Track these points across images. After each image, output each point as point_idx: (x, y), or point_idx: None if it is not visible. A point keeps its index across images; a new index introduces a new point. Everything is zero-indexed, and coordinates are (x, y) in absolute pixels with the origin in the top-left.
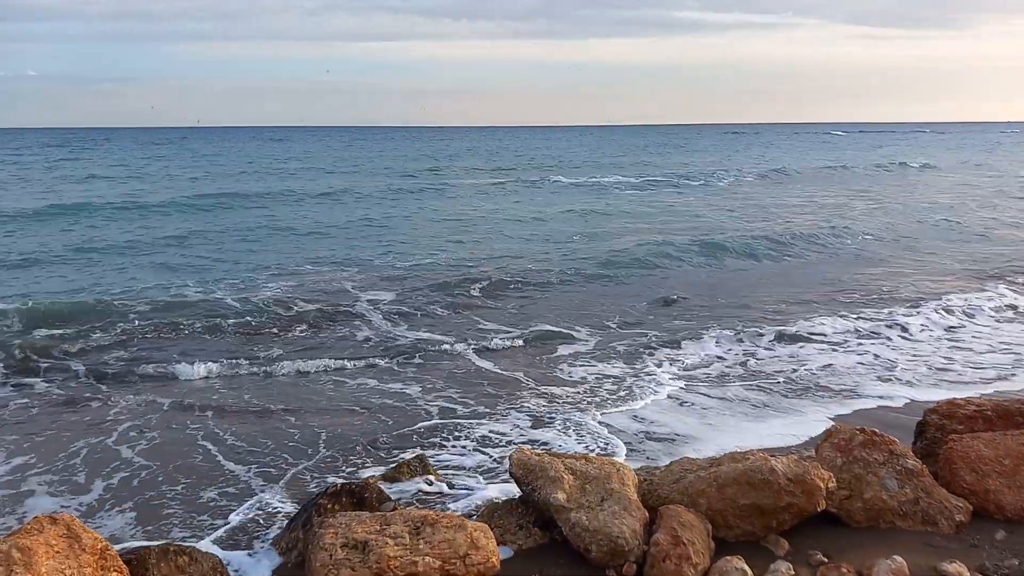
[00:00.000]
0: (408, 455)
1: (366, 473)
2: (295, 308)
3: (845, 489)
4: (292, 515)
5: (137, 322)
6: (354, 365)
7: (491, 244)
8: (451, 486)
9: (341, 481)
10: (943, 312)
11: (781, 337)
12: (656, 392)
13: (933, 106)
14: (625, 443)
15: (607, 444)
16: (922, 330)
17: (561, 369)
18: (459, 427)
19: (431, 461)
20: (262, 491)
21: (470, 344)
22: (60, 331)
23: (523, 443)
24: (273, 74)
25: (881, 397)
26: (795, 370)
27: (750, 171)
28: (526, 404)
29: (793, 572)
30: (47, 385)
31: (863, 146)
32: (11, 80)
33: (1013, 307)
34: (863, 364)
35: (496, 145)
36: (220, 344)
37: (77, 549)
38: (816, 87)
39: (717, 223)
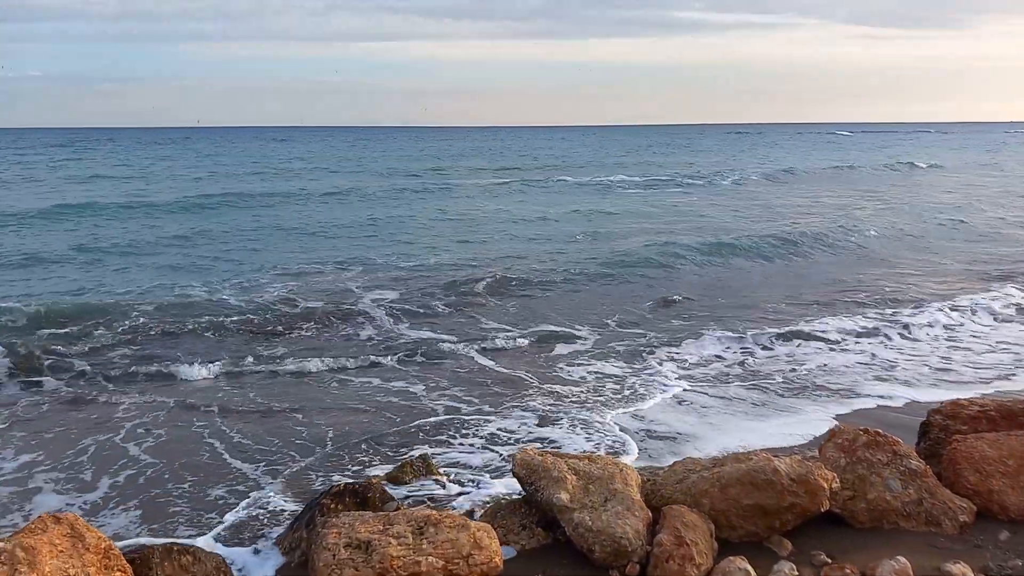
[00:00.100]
0: (413, 453)
1: (372, 471)
2: (299, 307)
3: (849, 489)
4: (296, 514)
5: (142, 321)
6: (359, 364)
7: (496, 244)
8: (459, 483)
9: (345, 481)
10: (946, 312)
11: (784, 337)
12: (659, 392)
13: (937, 106)
14: (630, 441)
15: (614, 442)
16: (925, 330)
17: (565, 368)
18: (465, 426)
19: (437, 459)
20: (266, 490)
21: (475, 343)
22: (65, 330)
23: (532, 441)
24: (276, 74)
25: (881, 396)
26: (796, 370)
27: (756, 171)
28: (532, 403)
29: (796, 573)
30: (53, 384)
31: (868, 146)
32: (14, 80)
33: (1019, 306)
34: (864, 364)
35: (499, 145)
36: (225, 343)
37: (81, 548)
38: (819, 87)
39: (723, 223)
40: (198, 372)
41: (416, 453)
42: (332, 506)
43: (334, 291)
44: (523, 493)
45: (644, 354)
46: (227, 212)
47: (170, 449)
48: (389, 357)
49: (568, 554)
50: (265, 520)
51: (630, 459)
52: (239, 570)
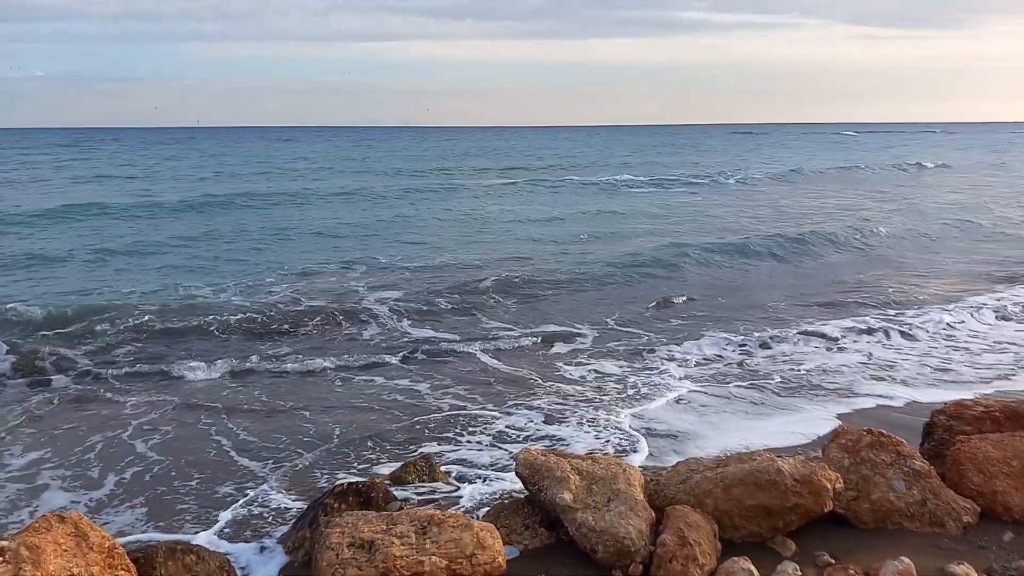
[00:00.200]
0: (419, 452)
1: (379, 469)
2: (304, 307)
3: (852, 490)
4: (300, 513)
5: (148, 321)
6: (363, 363)
7: (501, 244)
8: (468, 481)
9: (348, 480)
10: (949, 313)
11: (786, 337)
12: (662, 391)
13: (941, 106)
14: (625, 442)
15: (622, 440)
16: (927, 331)
17: (570, 367)
18: (472, 424)
19: (444, 457)
20: (271, 488)
21: (479, 343)
22: (71, 330)
23: (540, 438)
24: (278, 74)
25: (881, 396)
26: (797, 369)
27: (763, 171)
28: (537, 401)
29: (800, 573)
30: (59, 383)
31: (874, 146)
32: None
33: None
34: (864, 364)
35: (502, 145)
36: (230, 343)
37: (85, 547)
38: (823, 87)
39: (730, 223)
40: (204, 371)
41: (422, 452)
42: (335, 506)
43: (339, 291)
44: (526, 493)
45: (647, 354)
46: (232, 212)
47: (176, 447)
48: (394, 356)
49: (571, 554)
50: (270, 518)
51: (640, 457)
52: (242, 568)
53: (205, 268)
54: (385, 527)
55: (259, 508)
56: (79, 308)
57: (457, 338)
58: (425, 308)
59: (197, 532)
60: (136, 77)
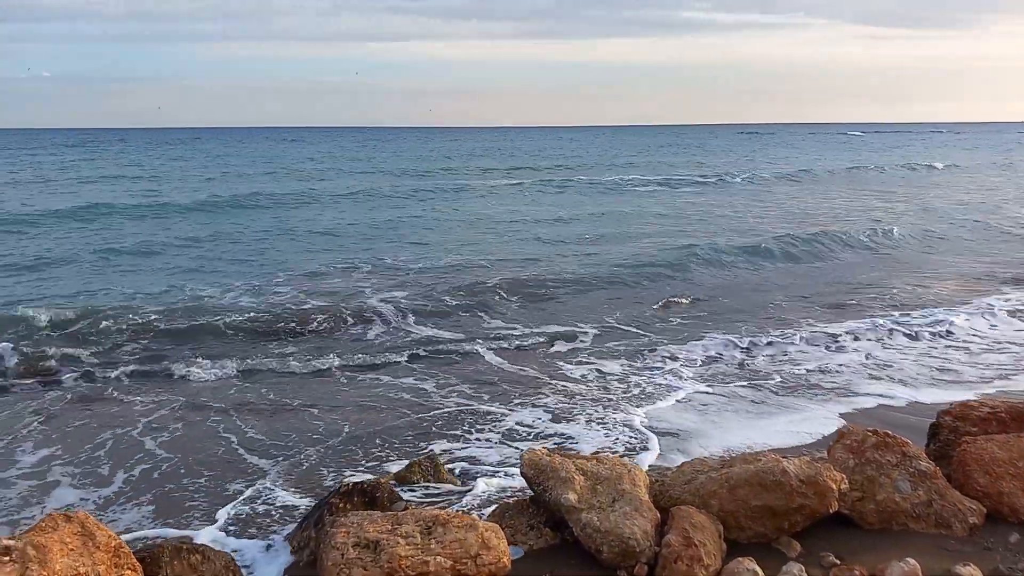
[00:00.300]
0: (429, 449)
1: (389, 467)
2: (311, 307)
3: (857, 491)
4: (306, 512)
5: (155, 321)
6: (370, 362)
7: (508, 245)
8: (471, 479)
9: (353, 480)
10: (953, 313)
11: (789, 337)
12: (665, 391)
13: (947, 106)
14: (635, 440)
15: (632, 439)
16: (930, 331)
17: (576, 367)
18: (478, 423)
19: (452, 455)
20: (278, 485)
21: (486, 343)
22: (80, 331)
23: (549, 436)
24: (284, 74)
25: (882, 396)
26: (799, 369)
27: (772, 171)
28: (544, 400)
29: (805, 574)
30: (68, 383)
31: (882, 146)
32: (25, 81)
33: None
34: (868, 364)
35: (508, 145)
36: (237, 343)
37: (91, 547)
38: (830, 88)
39: (740, 224)
40: (211, 371)
41: (428, 451)
42: (341, 505)
43: (345, 291)
44: (531, 493)
45: (651, 353)
46: (239, 213)
47: (184, 445)
48: (400, 355)
49: (576, 554)
50: (276, 516)
51: (652, 455)
52: (248, 566)
53: (212, 268)
54: (390, 527)
55: (265, 506)
56: (86, 308)
57: (463, 338)
58: (431, 308)
59: (204, 529)
60: (141, 78)
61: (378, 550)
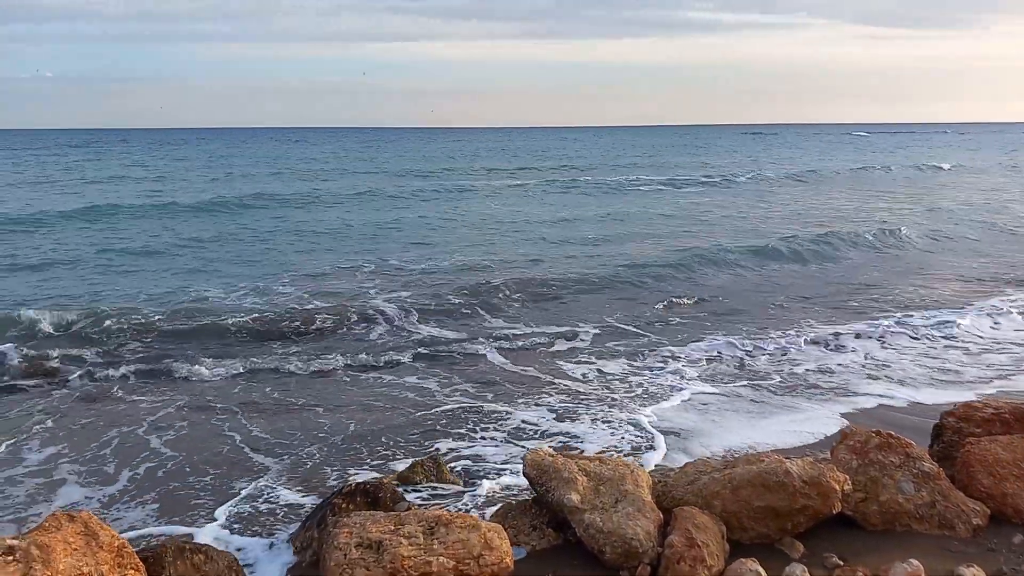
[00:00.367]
0: (431, 449)
1: (395, 465)
2: (315, 307)
3: (861, 492)
4: (309, 512)
5: (160, 322)
6: (374, 362)
7: (512, 246)
8: (475, 478)
9: (356, 481)
10: (956, 315)
11: (791, 338)
12: (669, 391)
13: (952, 106)
14: (640, 439)
15: (637, 438)
16: (933, 332)
17: (580, 367)
18: (483, 422)
19: (457, 453)
20: (282, 484)
21: (490, 343)
22: (85, 331)
23: (555, 434)
24: (288, 75)
25: (885, 397)
26: (805, 370)
27: (779, 172)
28: (548, 400)
29: (808, 575)
30: (74, 383)
31: (887, 147)
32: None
33: None
34: (870, 365)
35: (511, 145)
36: (242, 343)
37: (95, 546)
38: (834, 88)
39: (746, 225)
40: (216, 370)
41: (434, 450)
42: (344, 506)
43: (350, 291)
44: (534, 493)
45: (654, 353)
46: (243, 213)
47: (189, 443)
48: (405, 355)
49: (579, 555)
50: (281, 514)
51: (659, 454)
52: (249, 565)
53: (216, 269)
54: (393, 527)
55: (270, 504)
56: (91, 309)
57: (468, 337)
58: (435, 308)
59: (208, 527)
60: (144, 78)
61: (381, 550)
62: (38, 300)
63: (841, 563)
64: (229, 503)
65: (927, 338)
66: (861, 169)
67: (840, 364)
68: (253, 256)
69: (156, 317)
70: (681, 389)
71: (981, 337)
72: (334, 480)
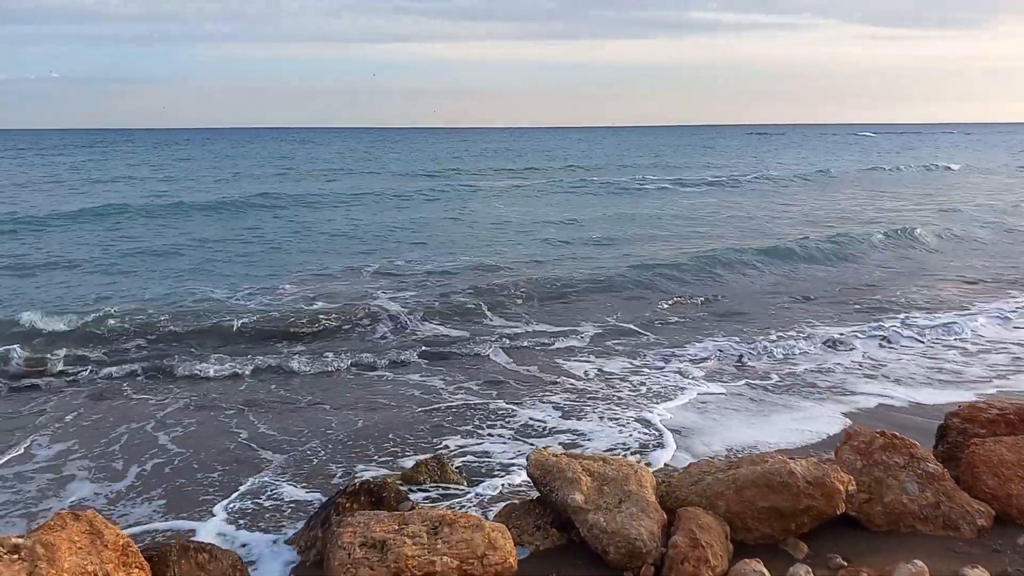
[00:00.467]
0: (440, 446)
1: (403, 462)
2: (321, 307)
3: (865, 492)
4: (312, 512)
5: (167, 321)
6: (380, 362)
7: (518, 246)
8: (478, 475)
9: (360, 480)
10: (968, 316)
11: (793, 338)
12: (673, 390)
13: (957, 107)
14: (646, 437)
15: (644, 436)
16: (943, 334)
17: (583, 366)
18: (489, 420)
19: (465, 451)
20: (288, 482)
21: (495, 343)
22: (91, 331)
23: (562, 432)
24: (292, 75)
25: (887, 397)
26: (808, 370)
27: (788, 172)
28: (554, 398)
29: (812, 575)
30: (80, 382)
31: (895, 147)
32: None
33: None
34: (871, 365)
35: (517, 146)
36: (248, 343)
37: (99, 545)
38: (839, 88)
39: (756, 225)
40: (222, 369)
41: (439, 448)
42: (347, 505)
43: (355, 291)
44: (538, 493)
45: (657, 353)
46: (249, 213)
47: (195, 441)
48: (410, 354)
49: (582, 555)
50: (288, 511)
51: (669, 452)
52: (252, 562)
53: (222, 269)
54: (397, 527)
55: (276, 501)
56: (98, 309)
57: (473, 337)
58: (442, 308)
59: (213, 523)
60: (148, 78)
61: (385, 550)
62: (46, 300)
63: (845, 564)
64: (235, 500)
65: (933, 339)
66: (870, 169)
67: (843, 364)
68: (259, 256)
69: (163, 317)
70: (684, 388)
71: (986, 338)
72: (340, 477)
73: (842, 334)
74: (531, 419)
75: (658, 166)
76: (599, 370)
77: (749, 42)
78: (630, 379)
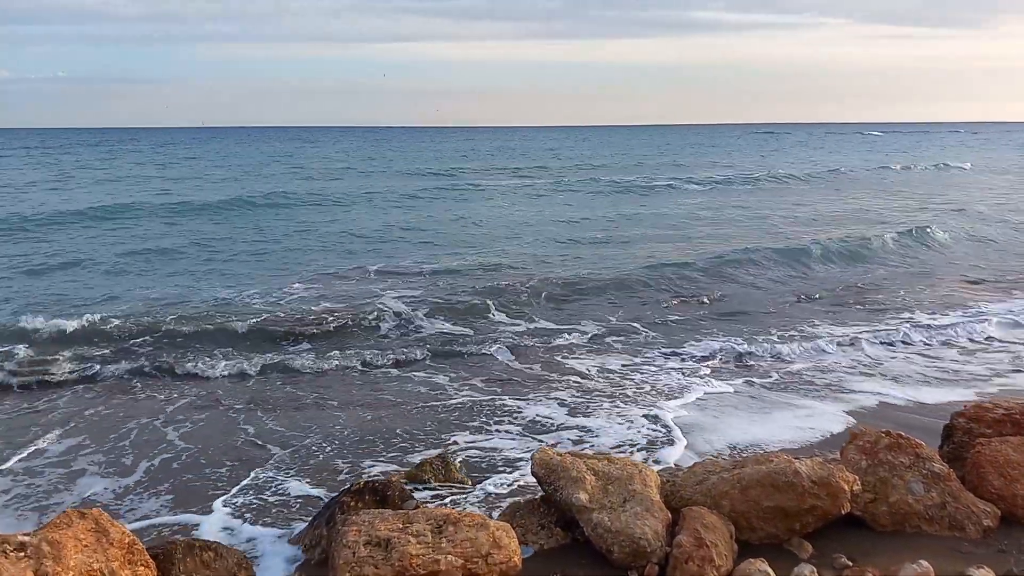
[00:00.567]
0: (447, 442)
1: (412, 458)
2: (326, 307)
3: (870, 492)
4: (317, 511)
5: (173, 321)
6: (386, 360)
7: (523, 246)
8: (484, 473)
9: (364, 479)
10: (962, 317)
11: (794, 338)
12: (676, 389)
13: (963, 106)
14: (648, 437)
15: (652, 433)
16: (946, 335)
17: (587, 365)
18: (494, 417)
19: (472, 449)
20: (294, 478)
21: (501, 340)
22: (99, 330)
23: (569, 428)
24: (293, 75)
25: (888, 395)
26: (809, 369)
27: (798, 171)
28: (560, 396)
29: (817, 575)
30: (90, 380)
31: (903, 146)
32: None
33: None
34: (874, 365)
35: (522, 145)
36: (254, 342)
37: (105, 543)
38: (844, 87)
39: (764, 224)
40: (230, 368)
41: (449, 443)
42: (352, 504)
43: (360, 291)
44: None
45: (661, 352)
46: (255, 213)
47: (203, 438)
48: (416, 353)
49: (587, 554)
50: (296, 507)
51: (678, 449)
52: (257, 557)
53: (228, 269)
54: (401, 526)
55: (282, 497)
56: (106, 309)
57: (479, 335)
58: (448, 307)
59: (221, 519)
60: (157, 78)
61: (389, 548)
62: (53, 300)
63: (850, 564)
64: (242, 495)
65: (938, 340)
66: (881, 168)
67: (846, 364)
68: (264, 255)
69: (170, 316)
70: (688, 386)
71: (990, 339)
72: (347, 473)
73: (852, 335)
74: (538, 415)
75: (665, 165)
76: (605, 368)
77: (752, 42)
78: (635, 377)
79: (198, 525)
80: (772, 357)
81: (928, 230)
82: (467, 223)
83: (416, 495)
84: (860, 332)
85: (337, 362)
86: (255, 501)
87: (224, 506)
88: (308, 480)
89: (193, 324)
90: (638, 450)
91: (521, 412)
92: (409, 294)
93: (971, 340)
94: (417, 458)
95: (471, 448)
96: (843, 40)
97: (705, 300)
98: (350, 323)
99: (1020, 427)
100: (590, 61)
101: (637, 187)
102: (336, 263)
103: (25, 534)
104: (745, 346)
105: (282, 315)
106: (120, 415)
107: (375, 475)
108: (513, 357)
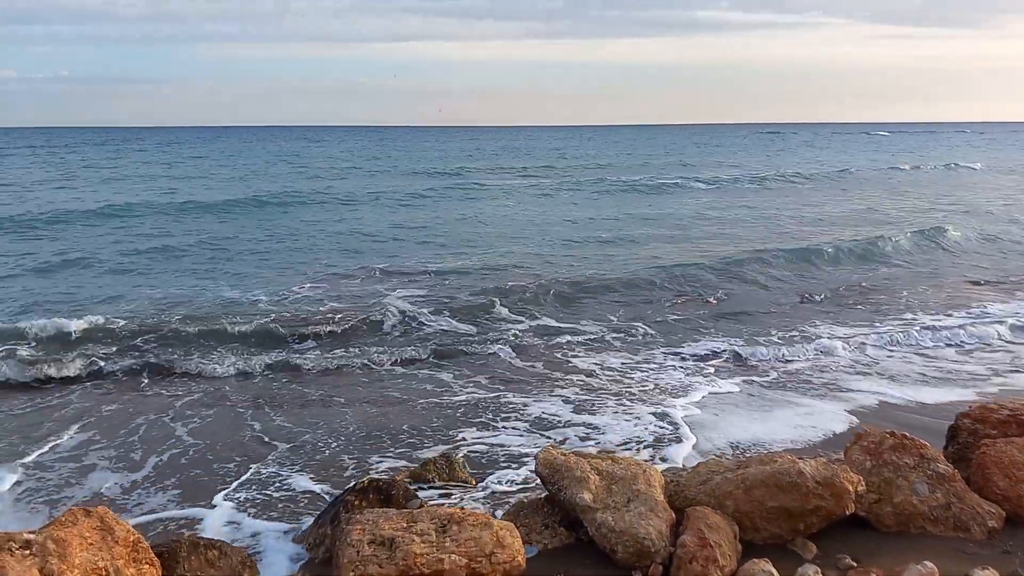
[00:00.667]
0: (456, 439)
1: (419, 454)
2: (332, 307)
3: (875, 493)
4: (321, 510)
5: (180, 320)
6: (392, 359)
7: (528, 246)
8: (489, 470)
9: (369, 478)
10: (963, 317)
11: (795, 338)
12: (679, 389)
13: (969, 106)
14: (655, 434)
15: (660, 430)
16: (941, 335)
17: (591, 364)
18: (499, 414)
19: (478, 446)
20: (300, 475)
21: (506, 340)
22: (105, 330)
23: (576, 425)
24: (296, 74)
25: (891, 396)
26: (811, 368)
27: (807, 171)
28: (566, 394)
29: None
30: (98, 379)
31: (911, 146)
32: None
33: None
34: (876, 365)
35: (527, 144)
36: (260, 341)
37: (110, 541)
38: (850, 87)
39: (772, 225)
40: (236, 367)
41: (454, 441)
42: (356, 503)
43: (366, 291)
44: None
45: (664, 352)
46: (261, 212)
47: (211, 435)
48: (421, 352)
49: (591, 554)
50: (304, 502)
51: (685, 447)
52: (260, 552)
53: (234, 268)
54: (405, 525)
55: (288, 492)
56: (112, 308)
57: (484, 335)
58: (453, 307)
59: (227, 514)
60: (161, 78)
61: (393, 547)
62: (60, 299)
63: (854, 564)
64: (248, 490)
65: (944, 340)
66: (891, 168)
67: (849, 363)
68: (269, 255)
69: (177, 316)
70: (691, 385)
71: (995, 340)
72: (353, 469)
73: (857, 335)
74: (544, 412)
75: (671, 164)
76: (609, 367)
77: (754, 41)
78: (639, 375)
79: (204, 519)
80: (773, 357)
81: (944, 230)
82: (473, 223)
83: (420, 494)
84: (862, 332)
85: (343, 360)
86: (260, 496)
87: (229, 501)
88: (313, 476)
89: (200, 323)
90: (644, 447)
91: (527, 409)
92: (415, 293)
93: (976, 341)
94: (423, 454)
95: (477, 444)
96: (844, 40)
97: (711, 300)
98: (356, 322)
99: None
100: (592, 61)
101: (643, 186)
102: (342, 262)
103: (30, 532)
104: (746, 346)
105: (288, 314)
106: (129, 411)
107: (381, 471)
108: (518, 355)
